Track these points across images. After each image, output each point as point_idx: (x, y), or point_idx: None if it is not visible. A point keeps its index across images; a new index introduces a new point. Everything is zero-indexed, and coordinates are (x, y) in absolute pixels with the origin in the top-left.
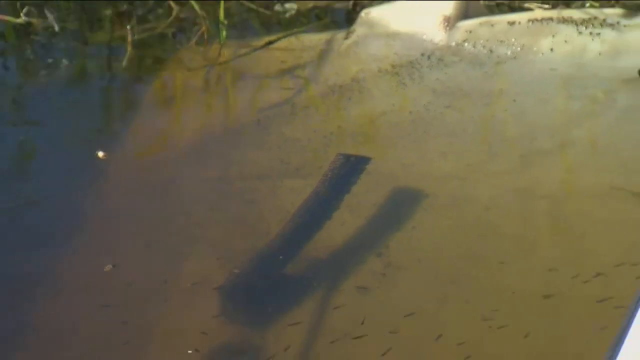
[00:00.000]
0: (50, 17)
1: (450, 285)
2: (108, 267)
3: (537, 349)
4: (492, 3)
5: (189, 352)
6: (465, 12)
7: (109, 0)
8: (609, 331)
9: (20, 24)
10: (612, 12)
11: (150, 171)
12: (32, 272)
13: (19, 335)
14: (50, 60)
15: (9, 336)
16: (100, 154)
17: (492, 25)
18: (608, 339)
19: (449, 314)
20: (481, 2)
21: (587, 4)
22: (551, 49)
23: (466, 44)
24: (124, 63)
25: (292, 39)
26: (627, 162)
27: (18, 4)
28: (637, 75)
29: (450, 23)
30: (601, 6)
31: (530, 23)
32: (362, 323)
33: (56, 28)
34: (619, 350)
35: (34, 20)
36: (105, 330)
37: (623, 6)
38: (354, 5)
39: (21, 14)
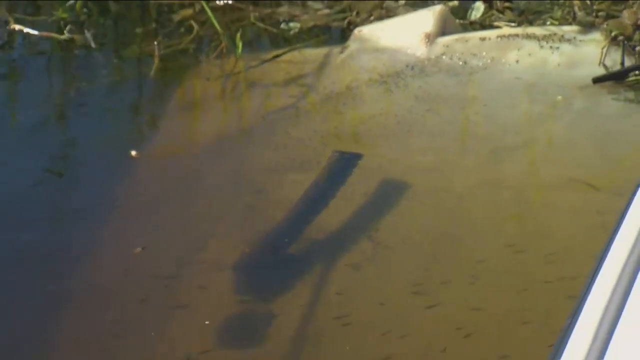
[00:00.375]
0: (88, 34)
1: (430, 260)
2: (138, 250)
3: (503, 301)
4: (466, 22)
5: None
6: (443, 30)
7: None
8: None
9: (64, 40)
10: (569, 29)
11: (175, 165)
12: (75, 247)
13: (67, 296)
14: (89, 72)
15: (60, 297)
16: (133, 152)
17: (466, 41)
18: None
19: (431, 283)
20: (457, 21)
21: (548, 22)
22: (517, 61)
23: (444, 57)
24: (152, 73)
25: (296, 53)
26: (582, 157)
27: (61, 22)
28: (591, 83)
29: (430, 39)
30: (560, 24)
31: (499, 39)
32: (355, 293)
33: (92, 44)
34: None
35: (75, 37)
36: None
37: (579, 24)
38: (348, 24)
39: (65, 32)
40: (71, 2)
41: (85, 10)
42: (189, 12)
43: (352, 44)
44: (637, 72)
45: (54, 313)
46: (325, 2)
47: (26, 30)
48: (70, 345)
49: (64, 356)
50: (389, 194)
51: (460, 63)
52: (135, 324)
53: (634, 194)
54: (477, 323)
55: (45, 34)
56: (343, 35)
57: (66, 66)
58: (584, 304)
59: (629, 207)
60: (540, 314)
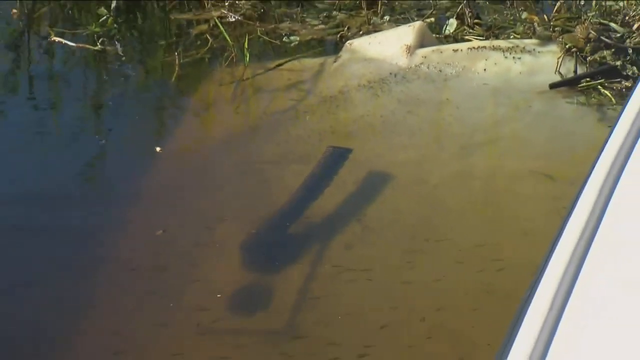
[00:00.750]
0: (118, 45)
1: (410, 240)
2: (159, 232)
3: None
4: (442, 36)
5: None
6: (422, 43)
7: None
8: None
9: (97, 51)
10: (530, 42)
11: (192, 159)
12: (105, 225)
13: (99, 265)
14: (119, 78)
15: (92, 266)
16: (158, 149)
17: (442, 52)
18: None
19: (411, 260)
20: (434, 35)
21: (512, 36)
22: (484, 69)
23: (422, 66)
24: (173, 79)
25: (296, 62)
26: (541, 152)
27: (95, 35)
28: (549, 88)
29: (410, 51)
30: (522, 38)
31: (469, 50)
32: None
33: (122, 54)
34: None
35: (107, 48)
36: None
37: (538, 37)
38: (341, 37)
39: (98, 43)
40: (103, 18)
41: (115, 25)
42: (204, 27)
43: (344, 55)
44: (587, 78)
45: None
46: (321, 19)
47: (65, 42)
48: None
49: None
50: (375, 183)
51: (436, 71)
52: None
53: (584, 182)
54: (447, 292)
55: (81, 45)
56: (336, 47)
57: (99, 73)
58: (536, 288)
59: (580, 194)
60: (504, 288)
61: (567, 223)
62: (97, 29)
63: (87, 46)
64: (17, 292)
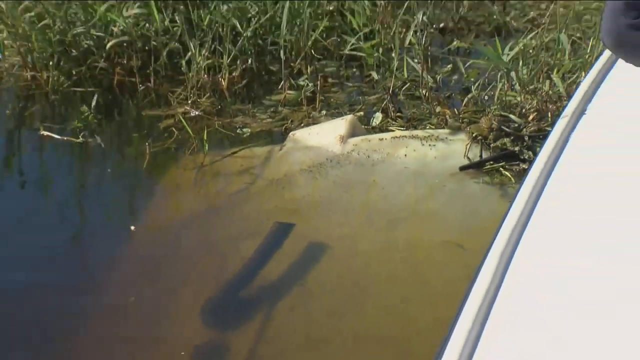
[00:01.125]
0: (98, 138)
1: (345, 301)
2: (132, 298)
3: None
4: (370, 127)
5: None
6: (353, 133)
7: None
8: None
9: (80, 143)
10: (443, 132)
11: (162, 234)
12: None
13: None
14: (99, 165)
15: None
16: (132, 227)
17: (369, 141)
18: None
19: (344, 314)
20: (363, 126)
21: (427, 127)
22: (405, 155)
23: (354, 153)
24: (145, 166)
25: (248, 150)
26: (453, 225)
27: (77, 129)
28: (459, 170)
29: (343, 140)
30: (436, 128)
31: (393, 139)
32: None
33: (102, 145)
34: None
35: (89, 140)
36: None
37: (449, 128)
38: (285, 129)
39: (80, 136)
40: (85, 115)
41: (95, 120)
42: (171, 121)
43: (288, 144)
44: (491, 162)
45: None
46: (269, 113)
47: (53, 135)
48: None
49: None
50: (315, 253)
51: (365, 157)
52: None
53: (488, 250)
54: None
55: (66, 138)
56: (282, 137)
57: (82, 162)
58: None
59: (483, 262)
60: (420, 343)
61: (471, 288)
62: (80, 125)
63: (72, 139)
64: None
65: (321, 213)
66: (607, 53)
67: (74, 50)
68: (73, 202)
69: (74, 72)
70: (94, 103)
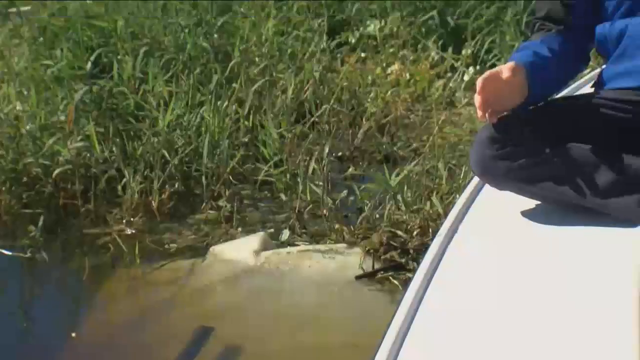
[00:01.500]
0: (44, 254)
1: None
2: None
3: None
4: (279, 242)
5: None
6: (264, 247)
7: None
8: None
9: (27, 258)
10: (341, 246)
11: (99, 339)
12: None
13: None
14: (43, 278)
15: None
16: (73, 334)
17: (279, 254)
18: None
19: None
20: (273, 241)
21: (328, 241)
22: (309, 266)
23: (265, 265)
24: (85, 278)
25: (174, 263)
26: (351, 327)
27: (25, 246)
28: (355, 279)
29: (257, 253)
30: (335, 242)
31: (299, 252)
32: None
33: (47, 259)
34: None
35: (36, 256)
36: None
37: (346, 242)
38: (207, 245)
39: (27, 252)
40: (32, 234)
41: (42, 238)
42: (108, 238)
43: (209, 257)
44: (382, 272)
45: None
46: (192, 230)
47: (3, 251)
48: None
49: None
50: (233, 353)
51: (275, 268)
52: None
53: (378, 346)
54: None
55: (15, 254)
56: (204, 252)
57: (28, 276)
58: None
59: (375, 355)
60: None
61: None
62: (27, 242)
63: (20, 254)
64: None
65: (238, 319)
66: (476, 179)
67: (24, 177)
68: (18, 312)
69: (24, 196)
70: (40, 223)
